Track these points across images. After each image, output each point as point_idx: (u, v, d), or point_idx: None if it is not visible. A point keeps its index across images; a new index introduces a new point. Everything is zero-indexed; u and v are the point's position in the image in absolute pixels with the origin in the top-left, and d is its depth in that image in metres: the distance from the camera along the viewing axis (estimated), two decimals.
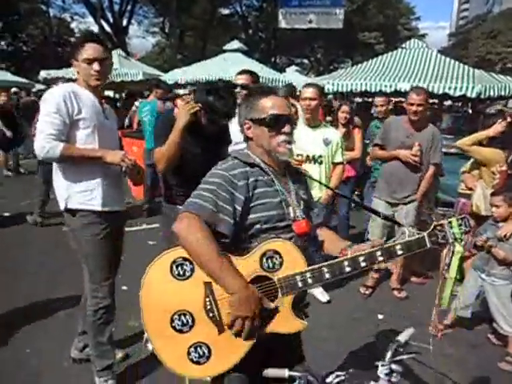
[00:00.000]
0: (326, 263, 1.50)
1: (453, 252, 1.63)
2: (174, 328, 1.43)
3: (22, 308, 3.51)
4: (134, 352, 2.96)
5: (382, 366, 1.47)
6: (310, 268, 1.48)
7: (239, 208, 1.48)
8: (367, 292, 4.07)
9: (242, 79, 3.22)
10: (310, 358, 1.78)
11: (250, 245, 1.52)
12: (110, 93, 13.97)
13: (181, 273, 1.43)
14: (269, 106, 1.57)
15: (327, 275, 1.49)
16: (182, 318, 1.43)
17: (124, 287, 3.67)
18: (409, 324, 2.14)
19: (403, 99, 10.93)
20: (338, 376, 1.54)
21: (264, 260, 1.46)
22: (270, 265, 1.47)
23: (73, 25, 31.30)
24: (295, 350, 1.74)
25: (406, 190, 3.78)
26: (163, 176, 2.89)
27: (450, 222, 1.54)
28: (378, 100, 5.61)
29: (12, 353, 2.94)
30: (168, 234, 2.87)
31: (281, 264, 1.47)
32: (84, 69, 2.33)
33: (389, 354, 1.53)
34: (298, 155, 3.61)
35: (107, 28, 23.76)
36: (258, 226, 1.52)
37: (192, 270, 1.43)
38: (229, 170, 1.53)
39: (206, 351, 1.43)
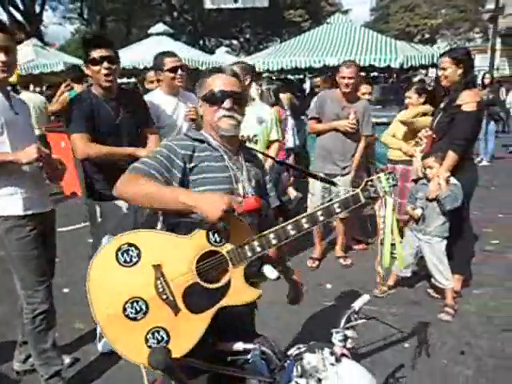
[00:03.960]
0: (270, 230, 1.50)
1: (385, 204, 1.71)
2: (127, 317, 1.39)
3: None
4: (83, 355, 2.82)
5: (337, 333, 1.51)
6: (256, 236, 1.49)
7: (178, 175, 1.53)
8: (314, 264, 4.18)
9: (177, 61, 3.07)
10: (262, 332, 1.78)
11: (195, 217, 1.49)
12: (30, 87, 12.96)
13: (127, 259, 1.39)
14: (212, 83, 1.62)
15: (274, 241, 1.50)
16: (135, 305, 1.39)
17: (65, 290, 3.48)
18: (356, 289, 2.22)
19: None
20: (298, 348, 1.56)
21: (210, 235, 1.45)
22: (218, 239, 1.46)
23: None
24: (249, 324, 1.77)
25: (344, 160, 3.89)
26: (84, 170, 2.75)
27: (378, 177, 1.62)
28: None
29: None
30: (93, 230, 2.79)
31: (227, 237, 1.46)
32: None
33: (343, 321, 1.58)
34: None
35: (18, 16, 21.87)
36: None
37: (138, 256, 1.40)
38: (175, 141, 1.62)
39: (164, 335, 1.40)
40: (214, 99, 1.61)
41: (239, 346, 1.55)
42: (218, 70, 1.68)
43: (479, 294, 3.52)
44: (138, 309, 1.39)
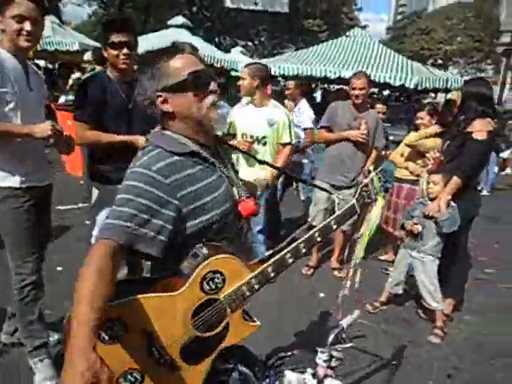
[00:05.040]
0: (268, 263, 1.36)
1: (375, 204, 1.71)
2: None
3: None
4: None
5: (322, 352, 1.47)
6: (253, 275, 1.34)
7: (173, 215, 1.22)
8: (309, 272, 4.18)
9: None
10: (253, 339, 1.76)
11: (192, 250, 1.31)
12: (41, 62, 12.96)
13: (113, 335, 1.19)
14: (183, 65, 1.29)
15: (272, 274, 1.36)
16: (129, 377, 1.22)
17: (59, 268, 3.45)
18: (348, 301, 2.23)
19: (345, 87, 11.28)
20: (280, 358, 1.54)
21: (205, 284, 1.27)
22: (213, 286, 1.28)
23: None
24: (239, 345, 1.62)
25: (353, 171, 3.88)
26: (88, 150, 2.74)
27: (371, 180, 1.63)
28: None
29: None
30: (94, 214, 2.78)
31: (224, 281, 1.30)
32: (12, 27, 2.08)
33: (330, 339, 1.54)
34: (242, 135, 3.58)
35: None
36: (207, 229, 1.31)
37: (125, 328, 1.20)
38: (151, 164, 1.23)
39: None
40: (197, 83, 1.29)
41: (218, 365, 1.41)
42: (177, 49, 1.33)
43: (470, 320, 3.53)
44: (133, 380, 1.24)
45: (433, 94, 15.23)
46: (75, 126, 2.55)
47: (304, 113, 4.89)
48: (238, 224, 1.44)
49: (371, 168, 1.78)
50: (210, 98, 1.31)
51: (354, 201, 1.56)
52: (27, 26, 2.08)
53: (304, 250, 1.42)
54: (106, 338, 1.17)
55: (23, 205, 2.25)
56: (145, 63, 1.36)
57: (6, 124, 2.11)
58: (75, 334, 1.05)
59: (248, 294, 1.33)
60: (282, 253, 1.39)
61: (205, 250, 1.28)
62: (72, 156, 6.24)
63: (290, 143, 3.62)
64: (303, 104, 5.00)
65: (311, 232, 1.45)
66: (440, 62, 33.95)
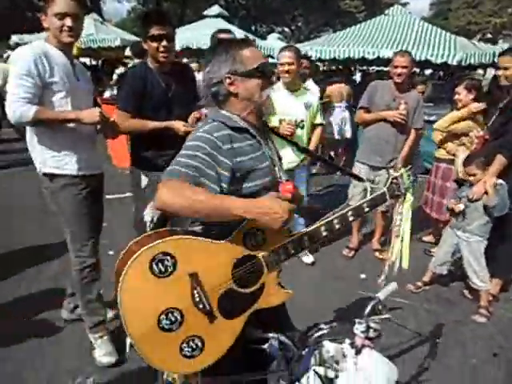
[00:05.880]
0: (304, 231, 1.51)
1: (403, 201, 1.79)
2: (162, 329, 1.32)
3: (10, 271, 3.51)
4: None
5: (359, 323, 1.49)
6: (290, 239, 1.49)
7: (226, 173, 1.39)
8: (350, 254, 4.19)
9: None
10: (293, 316, 1.82)
11: None
12: (85, 60, 13.50)
13: (162, 270, 1.29)
14: (253, 56, 1.49)
15: (307, 243, 1.51)
16: (170, 316, 1.32)
17: (111, 252, 3.68)
18: (390, 282, 2.24)
19: (385, 68, 10.95)
20: (320, 329, 1.59)
21: (247, 239, 1.41)
22: (254, 242, 1.43)
23: None
24: (282, 318, 1.76)
25: (390, 152, 3.83)
26: (132, 139, 2.88)
27: (401, 174, 1.72)
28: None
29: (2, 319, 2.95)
30: (136, 199, 2.91)
31: (264, 240, 1.44)
32: (55, 24, 2.23)
33: (367, 311, 1.55)
34: (280, 120, 3.62)
35: None
36: (254, 195, 1.44)
37: (174, 265, 1.31)
38: (211, 131, 1.42)
39: (199, 343, 1.38)
40: (265, 74, 1.49)
41: (258, 333, 1.54)
42: (248, 41, 1.55)
43: None
44: (173, 319, 1.33)
45: (481, 71, 14.47)
46: (117, 116, 2.68)
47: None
48: None
49: (400, 165, 1.86)
50: (269, 90, 1.52)
51: (385, 189, 1.68)
52: (68, 21, 2.23)
53: (338, 226, 1.55)
54: (157, 270, 1.28)
55: (81, 192, 2.43)
56: (221, 48, 1.52)
57: (54, 111, 2.27)
58: (235, 211, 1.29)
59: (283, 257, 1.47)
60: (316, 225, 1.51)
61: None
62: (119, 149, 6.50)
63: (322, 124, 3.80)
64: (310, 84, 5.25)
65: (344, 210, 1.57)
66: (489, 36, 32.08)
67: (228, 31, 3.20)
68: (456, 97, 3.92)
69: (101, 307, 2.63)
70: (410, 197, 1.76)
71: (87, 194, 2.46)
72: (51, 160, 2.35)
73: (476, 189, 3.12)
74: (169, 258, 1.29)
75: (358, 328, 1.51)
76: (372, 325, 1.55)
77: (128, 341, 1.37)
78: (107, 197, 2.86)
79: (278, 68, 3.60)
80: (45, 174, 2.38)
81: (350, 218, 1.58)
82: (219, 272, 1.38)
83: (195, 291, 1.33)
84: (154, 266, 1.28)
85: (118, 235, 3.91)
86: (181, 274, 1.32)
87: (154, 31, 2.56)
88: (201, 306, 1.35)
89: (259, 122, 1.56)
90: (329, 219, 1.55)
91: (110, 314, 2.89)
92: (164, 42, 2.57)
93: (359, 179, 2.15)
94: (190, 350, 1.36)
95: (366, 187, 1.82)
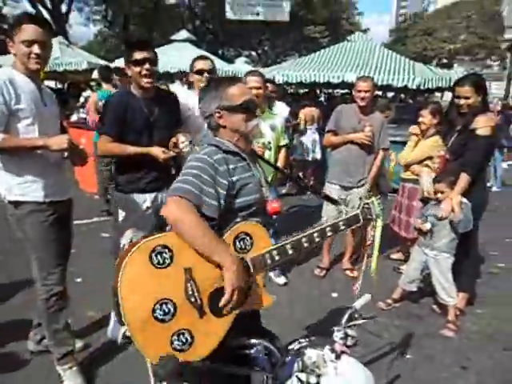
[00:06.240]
0: (287, 240, 1.66)
1: (375, 226, 1.94)
2: (156, 318, 1.41)
3: None
4: (94, 341, 2.93)
5: (338, 330, 1.61)
6: (275, 246, 1.63)
7: (222, 192, 1.55)
8: (321, 274, 4.25)
9: (204, 64, 3.15)
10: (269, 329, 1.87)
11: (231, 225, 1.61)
12: (51, 83, 13.30)
13: (160, 261, 1.41)
14: (239, 93, 1.68)
15: (290, 251, 1.64)
16: (164, 306, 1.41)
17: (78, 279, 3.57)
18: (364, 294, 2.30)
19: (349, 91, 11.34)
20: (299, 342, 1.66)
21: (237, 242, 1.56)
22: (242, 246, 1.57)
23: (5, 10, 29.06)
24: (257, 324, 1.89)
25: (359, 173, 3.96)
26: (116, 163, 2.88)
27: (372, 201, 1.88)
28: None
29: None
30: (117, 225, 2.89)
31: (251, 244, 1.59)
32: (22, 51, 2.22)
33: (344, 319, 1.67)
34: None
35: (46, 14, 22.38)
36: (244, 210, 1.63)
37: (171, 258, 1.43)
38: (210, 155, 1.59)
39: (188, 337, 1.45)
40: (249, 108, 1.69)
41: (244, 340, 1.63)
42: (238, 79, 1.81)
43: (482, 313, 3.57)
44: (167, 310, 1.41)
45: (438, 94, 15.24)
46: (100, 139, 2.74)
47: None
48: (266, 217, 1.77)
49: (370, 194, 1.99)
50: (255, 121, 1.70)
51: (358, 211, 1.84)
52: (36, 49, 2.22)
53: (317, 239, 1.70)
54: (155, 261, 1.40)
55: (48, 218, 2.37)
56: (212, 86, 1.73)
57: (21, 138, 2.23)
58: (213, 250, 1.46)
59: (269, 261, 1.61)
60: (299, 236, 1.67)
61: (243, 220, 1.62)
62: (86, 174, 6.41)
63: (286, 145, 3.93)
64: (279, 105, 5.39)
65: (323, 225, 1.73)
66: (445, 60, 33.92)
67: (205, 57, 3.26)
68: (420, 119, 4.13)
69: (69, 337, 2.55)
70: (380, 223, 1.91)
71: (54, 220, 2.41)
72: (17, 187, 2.30)
73: (444, 206, 3.26)
74: (167, 250, 1.42)
75: (337, 335, 1.61)
76: (350, 332, 1.63)
77: (122, 330, 1.45)
78: (75, 222, 2.80)
79: None
80: (10, 202, 2.33)
81: (328, 234, 1.74)
82: (211, 270, 1.49)
83: (188, 284, 1.44)
84: (154, 256, 1.40)
85: (85, 262, 3.81)
86: (177, 266, 1.43)
87: (137, 55, 2.60)
88: (192, 300, 1.45)
89: (248, 146, 1.76)
90: (309, 232, 1.69)
91: (79, 343, 2.80)
92: (147, 65, 2.60)
93: (333, 202, 2.28)
94: (180, 343, 1.44)
95: (340, 210, 2.01)
